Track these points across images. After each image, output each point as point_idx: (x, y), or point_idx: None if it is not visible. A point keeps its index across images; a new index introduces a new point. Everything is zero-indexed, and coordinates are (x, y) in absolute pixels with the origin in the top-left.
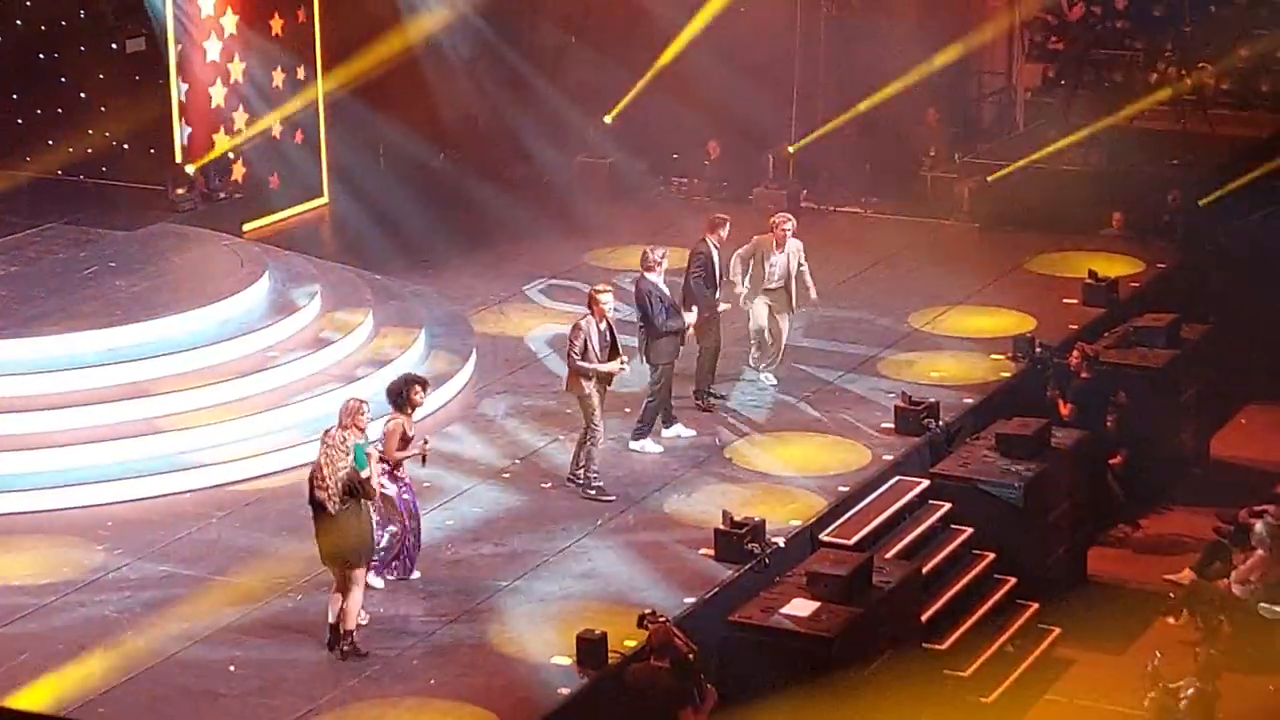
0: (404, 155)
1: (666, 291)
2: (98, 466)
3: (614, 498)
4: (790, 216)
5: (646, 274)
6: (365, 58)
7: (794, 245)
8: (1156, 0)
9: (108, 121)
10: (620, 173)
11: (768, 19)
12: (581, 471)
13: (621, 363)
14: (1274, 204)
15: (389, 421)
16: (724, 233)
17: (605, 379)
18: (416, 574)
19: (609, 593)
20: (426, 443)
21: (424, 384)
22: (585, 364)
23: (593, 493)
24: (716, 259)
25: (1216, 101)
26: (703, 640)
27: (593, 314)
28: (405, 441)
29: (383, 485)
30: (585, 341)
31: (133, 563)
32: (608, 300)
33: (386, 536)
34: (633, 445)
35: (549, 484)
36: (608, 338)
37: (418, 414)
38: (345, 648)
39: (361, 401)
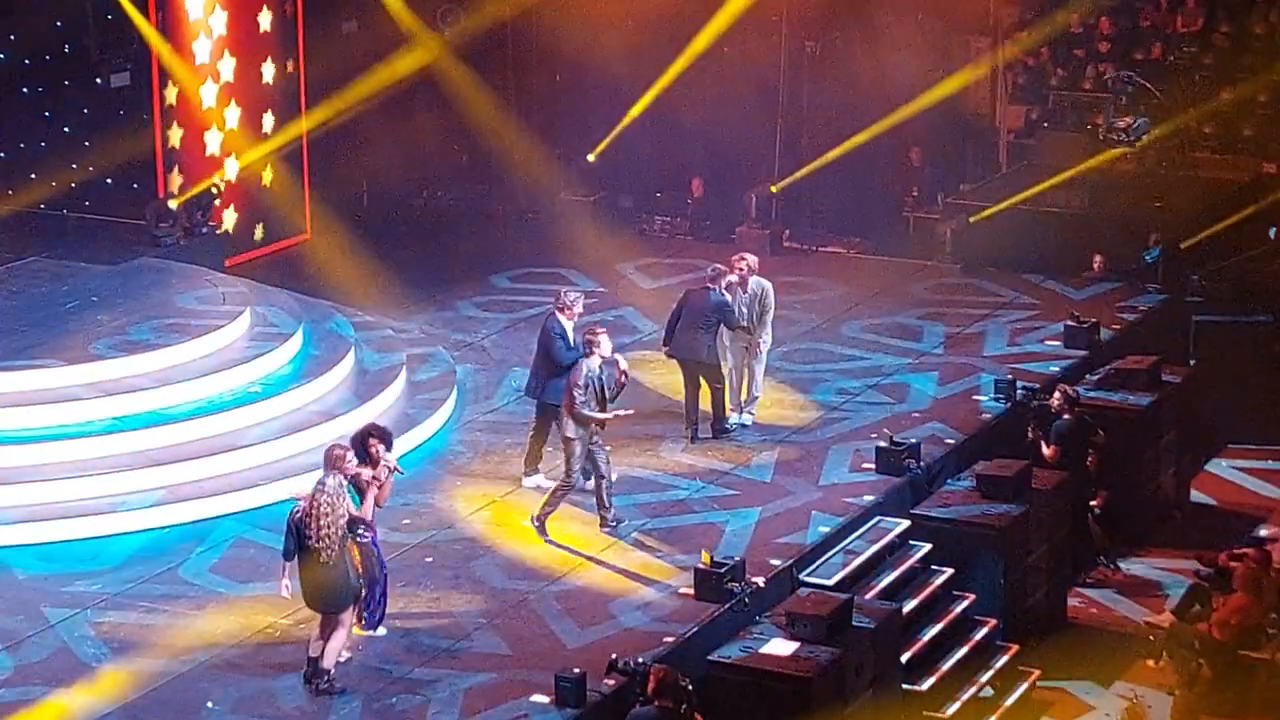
0: (387, 192)
1: (572, 339)
2: (78, 501)
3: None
4: (747, 255)
5: (558, 314)
6: (349, 94)
7: (759, 285)
8: (1139, 43)
9: (91, 156)
10: (603, 210)
11: (752, 58)
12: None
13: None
14: (1255, 248)
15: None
16: (731, 278)
17: (600, 425)
18: (383, 630)
19: (587, 631)
20: (388, 462)
21: (384, 439)
22: (588, 413)
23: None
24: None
25: (1199, 145)
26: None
27: (592, 356)
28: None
29: (360, 535)
30: (594, 385)
31: (111, 597)
32: (606, 339)
33: (376, 590)
34: (526, 483)
35: (528, 521)
36: (604, 380)
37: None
38: (322, 685)
39: (345, 449)
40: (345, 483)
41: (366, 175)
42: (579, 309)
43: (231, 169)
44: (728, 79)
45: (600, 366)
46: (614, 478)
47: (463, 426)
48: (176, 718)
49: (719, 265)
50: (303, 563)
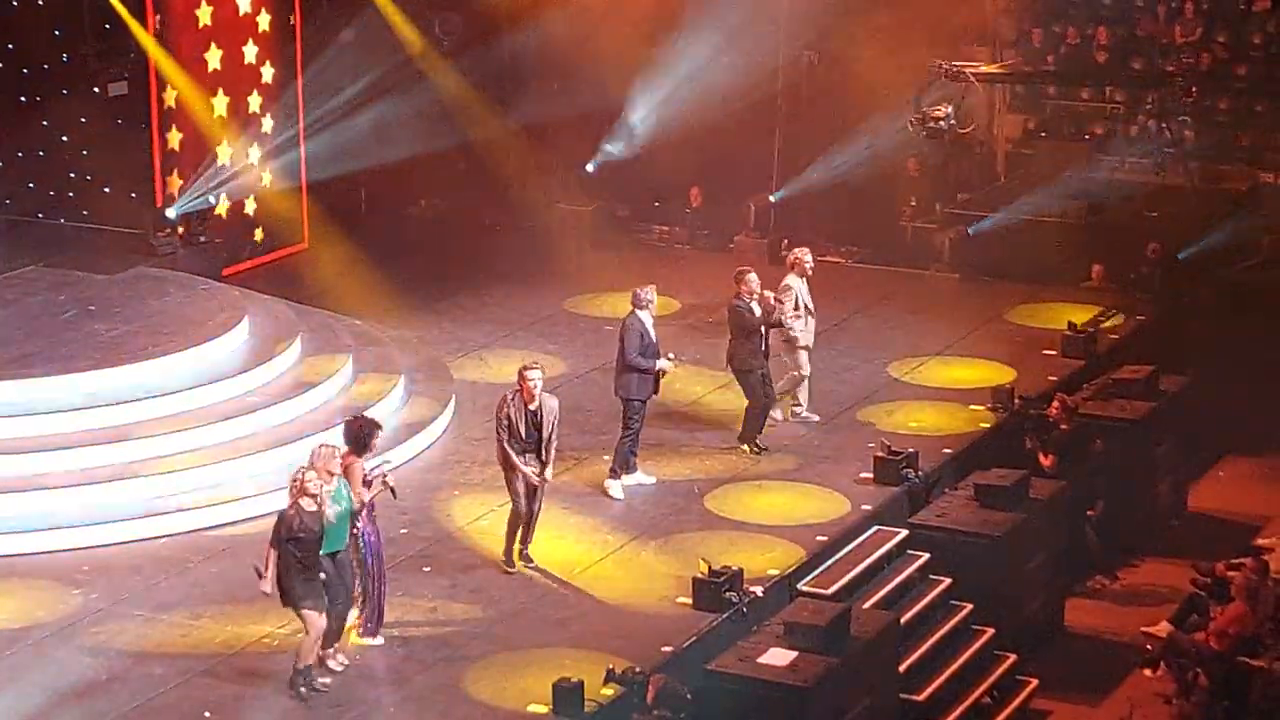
0: (384, 201)
1: (652, 334)
2: (75, 510)
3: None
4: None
5: (637, 311)
6: (347, 103)
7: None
8: (1137, 53)
9: (89, 165)
10: (601, 220)
11: (750, 67)
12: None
13: (539, 473)
14: (1252, 257)
15: (343, 461)
16: (752, 285)
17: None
18: (380, 639)
19: (586, 640)
20: (386, 476)
21: (380, 428)
22: (509, 451)
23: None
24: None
25: (1196, 154)
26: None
27: (520, 393)
28: (365, 484)
29: (355, 530)
30: (510, 421)
31: (108, 607)
32: (535, 379)
33: (366, 593)
34: (608, 483)
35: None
36: (534, 422)
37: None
38: (300, 684)
39: (334, 448)
40: (334, 482)
41: (363, 184)
42: (651, 297)
43: (229, 179)
44: (727, 88)
45: (529, 408)
46: (535, 522)
47: (460, 436)
48: None
49: (741, 268)
50: (281, 561)
